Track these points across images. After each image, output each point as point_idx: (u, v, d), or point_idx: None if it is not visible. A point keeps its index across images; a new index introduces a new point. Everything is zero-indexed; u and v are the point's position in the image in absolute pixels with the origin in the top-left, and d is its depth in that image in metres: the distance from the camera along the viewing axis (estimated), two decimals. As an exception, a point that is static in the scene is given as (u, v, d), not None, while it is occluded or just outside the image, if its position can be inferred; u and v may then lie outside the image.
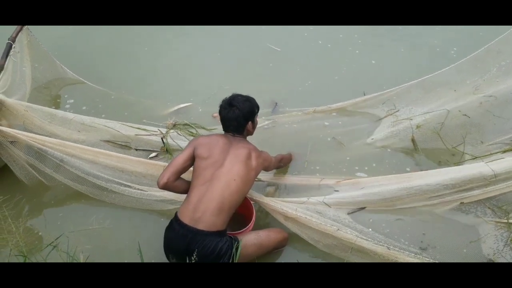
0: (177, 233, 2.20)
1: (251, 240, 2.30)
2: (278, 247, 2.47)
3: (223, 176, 2.25)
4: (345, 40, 4.26)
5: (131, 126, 3.11)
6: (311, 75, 3.88)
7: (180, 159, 2.34)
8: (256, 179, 2.73)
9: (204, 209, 2.18)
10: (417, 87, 3.31)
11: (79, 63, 3.89)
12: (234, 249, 2.16)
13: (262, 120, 3.32)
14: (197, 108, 3.51)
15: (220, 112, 2.44)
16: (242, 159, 2.30)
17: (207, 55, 4.15)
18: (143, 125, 3.18)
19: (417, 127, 3.06)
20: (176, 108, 3.50)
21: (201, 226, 2.17)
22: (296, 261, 2.21)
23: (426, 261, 2.21)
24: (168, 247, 2.26)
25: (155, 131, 3.12)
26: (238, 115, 2.38)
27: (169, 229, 2.25)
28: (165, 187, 2.30)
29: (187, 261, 2.12)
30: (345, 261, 2.28)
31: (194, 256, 2.10)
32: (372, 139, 3.12)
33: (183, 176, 2.38)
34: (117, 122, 3.12)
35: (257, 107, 2.50)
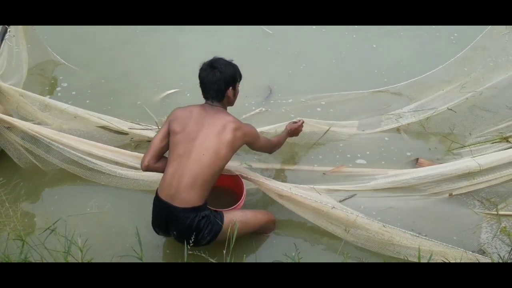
0: (158, 208, 2.24)
1: (236, 217, 2.28)
2: (265, 229, 2.49)
3: (194, 150, 2.17)
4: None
5: (125, 121, 3.08)
6: (305, 58, 3.87)
7: (157, 139, 2.28)
8: (248, 166, 2.78)
9: (177, 185, 2.15)
10: (408, 88, 3.40)
11: (70, 49, 3.86)
12: (229, 229, 2.18)
13: (252, 105, 3.35)
14: (187, 93, 3.50)
15: (200, 75, 2.28)
16: (215, 131, 2.19)
17: (196, 39, 4.10)
18: (138, 118, 3.18)
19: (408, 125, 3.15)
20: (165, 94, 3.49)
21: (176, 202, 2.15)
22: (294, 245, 2.26)
23: (421, 238, 2.29)
24: (153, 221, 2.30)
25: (149, 126, 3.10)
26: (219, 78, 2.23)
27: (153, 205, 2.27)
28: (148, 169, 2.29)
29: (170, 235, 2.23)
30: (342, 241, 2.35)
31: (174, 232, 2.19)
32: (363, 130, 3.18)
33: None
34: (113, 118, 3.08)
35: (240, 75, 2.34)
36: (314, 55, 3.92)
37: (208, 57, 3.65)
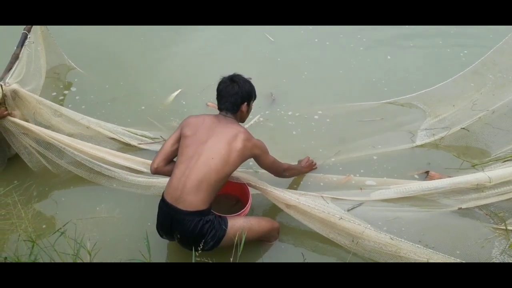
0: (162, 211, 2.27)
1: (240, 223, 2.30)
2: (269, 237, 2.49)
3: (203, 154, 2.21)
4: (346, 38, 4.23)
5: (135, 133, 3.16)
6: (309, 68, 3.89)
7: (168, 143, 2.36)
8: (255, 171, 2.80)
9: (182, 188, 2.18)
10: (417, 100, 3.40)
11: (79, 54, 3.88)
12: (232, 236, 2.20)
13: (256, 112, 3.35)
14: (182, 101, 3.53)
15: (219, 87, 2.39)
16: (226, 138, 2.24)
17: (198, 46, 4.14)
18: (147, 128, 3.25)
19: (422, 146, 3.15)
20: (170, 98, 3.52)
21: (181, 205, 2.18)
22: (302, 255, 2.26)
23: (429, 251, 2.29)
24: (157, 224, 2.33)
25: (157, 138, 3.17)
26: (237, 92, 2.33)
27: (159, 207, 2.30)
28: (157, 172, 2.36)
29: (174, 239, 2.27)
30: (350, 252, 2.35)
31: (178, 235, 2.21)
32: (374, 147, 3.17)
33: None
34: (122, 127, 3.16)
35: (255, 94, 2.45)
36: (318, 66, 3.93)
37: (210, 65, 3.84)
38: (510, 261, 2.39)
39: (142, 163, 2.84)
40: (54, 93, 3.54)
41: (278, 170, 2.58)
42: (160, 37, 4.19)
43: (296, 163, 2.89)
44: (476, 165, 2.93)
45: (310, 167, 2.91)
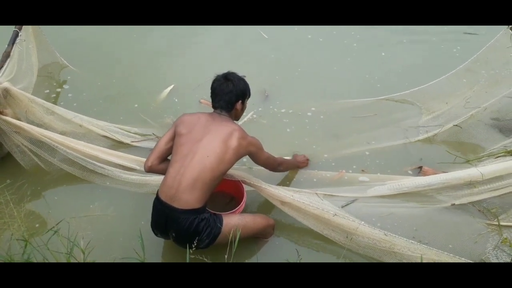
0: (157, 209, 2.26)
1: (235, 220, 2.30)
2: (264, 234, 2.49)
3: (198, 153, 2.20)
4: (340, 35, 4.25)
5: (129, 131, 3.15)
6: (302, 65, 3.89)
7: (162, 141, 2.35)
8: (249, 167, 2.81)
9: (177, 186, 2.17)
10: (412, 97, 3.42)
11: (73, 52, 3.87)
12: (227, 233, 2.20)
13: (250, 109, 3.34)
14: (175, 99, 3.51)
15: (213, 85, 2.38)
16: (221, 136, 2.23)
17: (191, 44, 4.14)
18: (139, 125, 3.24)
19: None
20: (163, 95, 3.51)
21: (176, 204, 2.17)
22: (296, 251, 2.26)
23: (422, 246, 2.30)
24: (152, 223, 2.32)
25: (149, 135, 3.16)
26: (231, 90, 2.33)
27: (153, 206, 2.29)
28: (151, 170, 2.34)
29: (169, 237, 2.26)
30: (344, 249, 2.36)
31: (173, 234, 2.21)
32: (368, 143, 3.18)
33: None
34: (114, 125, 3.15)
35: (249, 92, 2.45)
36: (312, 63, 3.94)
37: (204, 62, 3.84)
38: (503, 256, 2.42)
39: (135, 160, 2.84)
40: (47, 91, 3.53)
41: (273, 165, 2.60)
42: (152, 35, 4.18)
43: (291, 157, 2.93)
44: (469, 160, 2.96)
45: (305, 163, 2.94)
